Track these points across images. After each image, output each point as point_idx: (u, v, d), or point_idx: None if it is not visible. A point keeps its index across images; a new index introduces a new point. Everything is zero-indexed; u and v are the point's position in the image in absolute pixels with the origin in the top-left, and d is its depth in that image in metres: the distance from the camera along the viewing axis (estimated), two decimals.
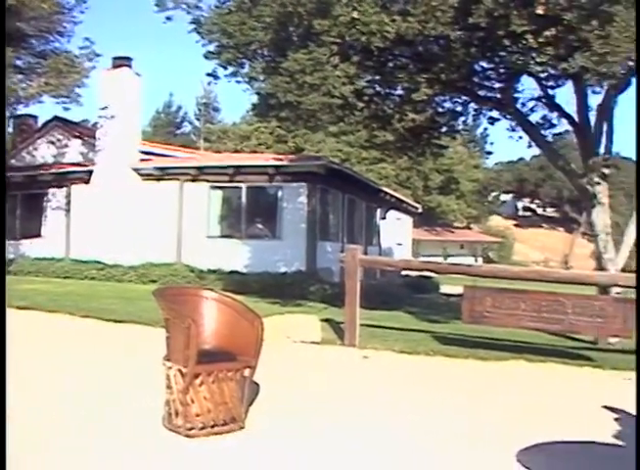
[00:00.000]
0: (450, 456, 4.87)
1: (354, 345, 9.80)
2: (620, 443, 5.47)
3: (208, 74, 15.02)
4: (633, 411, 6.41)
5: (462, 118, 15.87)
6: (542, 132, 14.09)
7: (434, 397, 6.89)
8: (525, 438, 5.25)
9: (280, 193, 21.54)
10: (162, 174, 22.48)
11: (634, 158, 16.15)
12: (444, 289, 23.20)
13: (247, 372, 5.17)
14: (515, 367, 8.80)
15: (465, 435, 5.43)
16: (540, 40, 10.83)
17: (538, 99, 14.09)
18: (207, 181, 22.19)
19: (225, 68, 14.29)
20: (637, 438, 3.57)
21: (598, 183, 12.39)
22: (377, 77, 14.50)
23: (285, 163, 22.12)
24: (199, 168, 22.37)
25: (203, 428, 4.94)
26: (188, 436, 4.88)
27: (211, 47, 14.08)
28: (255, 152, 45.04)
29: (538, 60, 11.22)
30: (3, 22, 12.55)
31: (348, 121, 16.62)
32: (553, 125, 14.36)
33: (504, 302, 9.14)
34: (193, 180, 22.23)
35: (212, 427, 4.98)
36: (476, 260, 54.82)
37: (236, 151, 48.20)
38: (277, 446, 4.87)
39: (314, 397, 6.58)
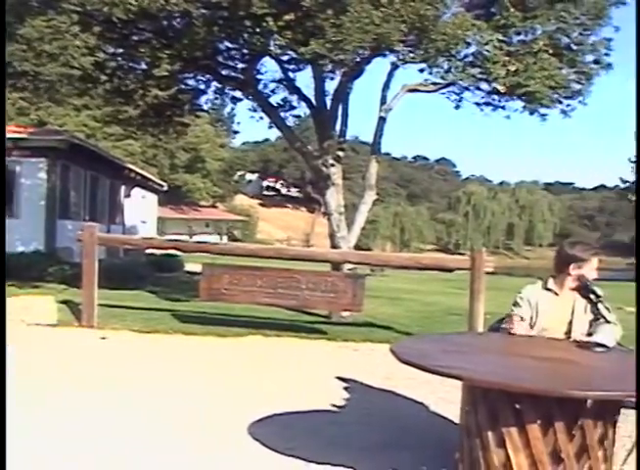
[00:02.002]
0: (182, 431, 4.92)
1: (92, 326, 9.58)
2: (345, 410, 5.83)
3: None
4: (361, 380, 6.88)
5: (205, 97, 15.89)
6: (282, 114, 14.45)
7: (168, 373, 6.92)
8: (259, 411, 5.43)
9: (18, 168, 20.25)
10: None
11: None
12: (189, 267, 23.15)
13: None
14: (253, 342, 9.07)
15: (198, 409, 5.52)
16: (280, 24, 11.07)
17: (279, 81, 14.41)
18: None
19: None
20: (637, 435, 3.82)
21: (333, 165, 12.96)
22: (120, 50, 14.09)
23: (24, 136, 20.84)
24: None
25: None
26: None
27: None
28: None
29: (278, 43, 11.48)
30: (3, 21, 11.25)
31: (93, 95, 16.02)
32: (293, 108, 14.75)
33: (241, 279, 9.36)
34: None
35: None
36: (221, 239, 55.28)
37: None
38: None
39: (44, 381, 6.34)
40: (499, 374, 3.49)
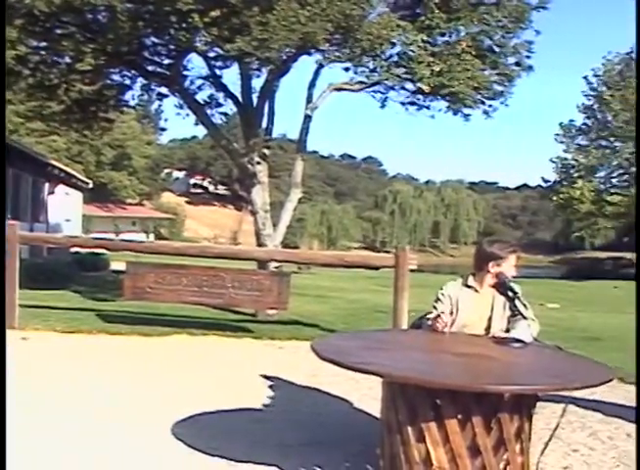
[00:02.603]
0: (101, 432, 4.85)
1: (13, 327, 9.33)
2: (270, 408, 5.84)
3: None
4: (286, 377, 6.89)
5: (131, 93, 15.63)
6: (208, 111, 14.32)
7: (88, 373, 6.81)
8: (183, 410, 5.38)
9: None
10: None
11: None
12: (115, 266, 22.79)
13: None
14: (178, 341, 8.99)
15: (119, 409, 5.44)
16: (206, 20, 10.98)
17: (206, 78, 14.27)
18: None
19: None
20: (637, 437, 3.81)
21: (259, 163, 12.93)
22: (42, 44, 13.77)
23: None
24: None
25: None
26: None
27: None
28: None
29: (203, 39, 11.41)
30: (3, 21, 10.78)
31: (15, 90, 15.58)
32: (219, 105, 14.61)
33: (166, 277, 9.27)
34: None
35: None
36: (147, 237, 54.67)
37: None
38: None
39: None
40: (418, 370, 3.54)
